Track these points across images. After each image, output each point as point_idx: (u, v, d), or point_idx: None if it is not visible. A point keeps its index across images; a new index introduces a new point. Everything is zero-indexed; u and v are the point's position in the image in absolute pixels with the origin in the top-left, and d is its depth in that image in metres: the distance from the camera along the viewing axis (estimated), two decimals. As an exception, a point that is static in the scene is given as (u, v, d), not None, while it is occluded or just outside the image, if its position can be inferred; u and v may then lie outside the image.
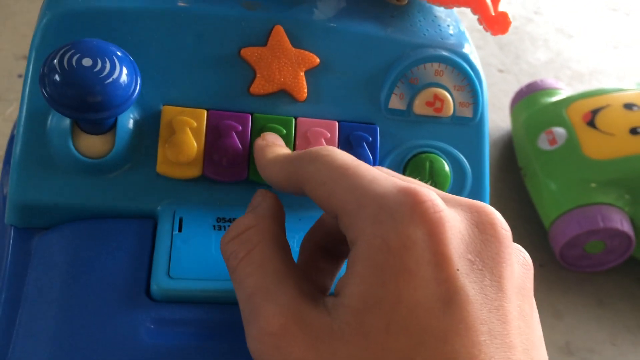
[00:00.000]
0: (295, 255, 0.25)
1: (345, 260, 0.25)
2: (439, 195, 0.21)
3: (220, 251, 0.23)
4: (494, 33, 0.31)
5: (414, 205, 0.19)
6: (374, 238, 0.19)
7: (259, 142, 0.27)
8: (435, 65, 0.31)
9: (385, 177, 0.21)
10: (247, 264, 0.21)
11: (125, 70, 0.24)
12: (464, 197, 0.31)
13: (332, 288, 0.25)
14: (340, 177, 0.21)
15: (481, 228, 0.20)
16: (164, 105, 0.28)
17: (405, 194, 0.20)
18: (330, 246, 0.25)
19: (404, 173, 0.30)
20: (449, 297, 0.19)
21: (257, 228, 0.22)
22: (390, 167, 0.30)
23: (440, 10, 0.34)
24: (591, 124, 0.58)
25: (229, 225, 0.27)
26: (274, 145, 0.27)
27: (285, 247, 0.22)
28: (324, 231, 0.25)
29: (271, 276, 0.21)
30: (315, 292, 0.21)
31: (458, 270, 0.19)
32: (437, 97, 0.31)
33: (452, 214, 0.20)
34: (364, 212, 0.20)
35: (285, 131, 0.29)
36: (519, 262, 0.21)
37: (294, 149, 0.29)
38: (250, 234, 0.22)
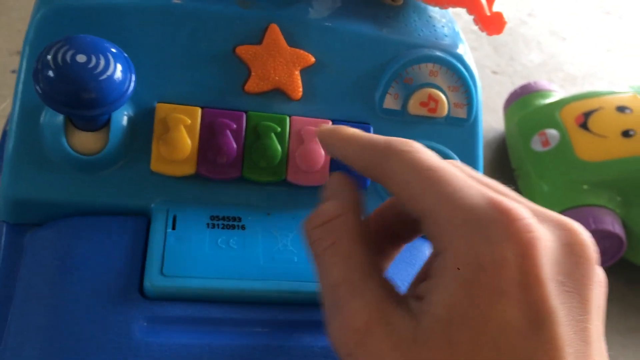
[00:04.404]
0: None
1: (404, 245, 0.26)
2: (529, 209, 0.21)
3: (304, 235, 0.23)
4: (490, 33, 0.31)
5: (507, 224, 0.19)
6: (465, 253, 0.19)
7: (325, 126, 0.26)
8: (430, 66, 0.31)
9: (472, 186, 0.20)
10: (333, 253, 0.21)
11: (119, 67, 0.24)
12: None
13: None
14: (426, 180, 0.21)
15: (572, 249, 0.20)
16: (158, 102, 0.28)
17: (498, 210, 0.19)
18: (396, 229, 0.25)
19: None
20: (539, 318, 0.19)
21: (344, 219, 0.22)
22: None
23: (435, 11, 0.34)
24: (584, 126, 0.59)
25: (222, 224, 0.27)
26: (343, 127, 0.26)
27: (368, 243, 0.22)
28: (394, 213, 0.25)
29: (357, 270, 0.21)
30: (397, 292, 0.21)
31: (549, 292, 0.19)
32: (431, 98, 0.31)
33: (545, 234, 0.20)
34: (453, 223, 0.20)
35: (279, 129, 0.29)
36: (598, 280, 0.21)
37: (288, 147, 0.29)
38: (336, 223, 0.22)
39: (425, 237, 0.22)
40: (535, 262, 0.19)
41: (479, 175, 0.23)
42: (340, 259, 0.21)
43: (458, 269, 0.19)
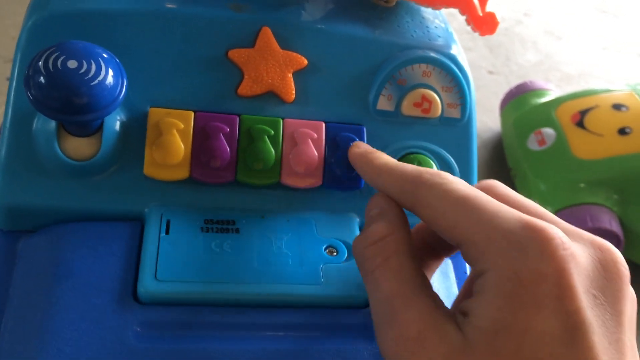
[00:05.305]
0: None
1: (444, 259, 0.28)
2: (562, 229, 0.22)
3: (354, 254, 0.24)
4: (482, 33, 0.31)
5: (543, 243, 0.21)
6: (506, 271, 0.21)
7: (357, 150, 0.28)
8: (423, 67, 0.31)
9: (507, 211, 0.22)
10: (385, 269, 0.23)
11: (111, 72, 0.24)
12: None
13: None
14: (463, 209, 0.22)
15: (605, 265, 0.22)
16: (150, 107, 0.28)
17: (533, 231, 0.21)
18: (436, 245, 0.27)
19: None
20: (575, 328, 0.20)
21: (394, 237, 0.24)
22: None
23: (428, 12, 0.34)
24: (580, 124, 0.59)
25: (216, 227, 0.27)
26: (374, 152, 0.27)
27: (417, 259, 0.24)
28: (430, 232, 0.26)
29: (409, 283, 0.22)
30: (444, 306, 0.23)
31: (583, 304, 0.20)
32: (425, 98, 0.31)
33: (579, 251, 0.22)
34: (493, 246, 0.21)
35: (272, 132, 0.29)
36: (630, 297, 0.23)
37: (282, 150, 0.29)
38: (387, 242, 0.23)
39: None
40: (570, 276, 0.20)
41: (514, 195, 0.25)
42: (392, 274, 0.23)
43: (501, 285, 0.21)
